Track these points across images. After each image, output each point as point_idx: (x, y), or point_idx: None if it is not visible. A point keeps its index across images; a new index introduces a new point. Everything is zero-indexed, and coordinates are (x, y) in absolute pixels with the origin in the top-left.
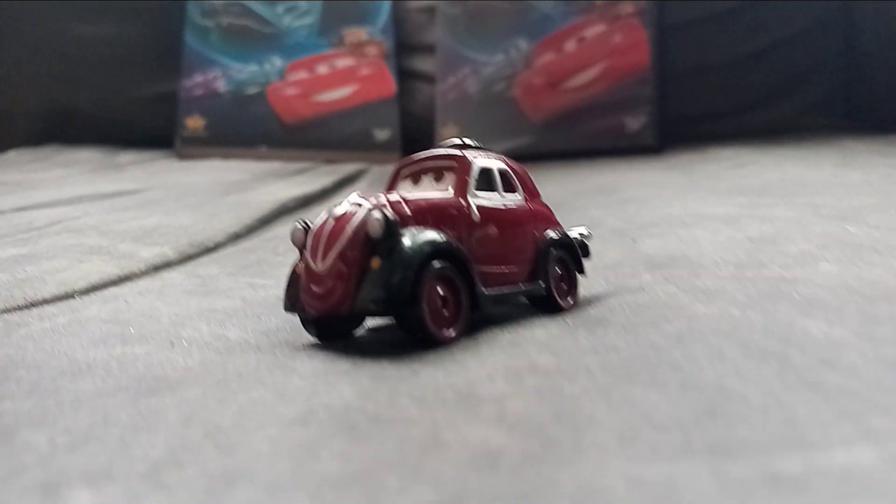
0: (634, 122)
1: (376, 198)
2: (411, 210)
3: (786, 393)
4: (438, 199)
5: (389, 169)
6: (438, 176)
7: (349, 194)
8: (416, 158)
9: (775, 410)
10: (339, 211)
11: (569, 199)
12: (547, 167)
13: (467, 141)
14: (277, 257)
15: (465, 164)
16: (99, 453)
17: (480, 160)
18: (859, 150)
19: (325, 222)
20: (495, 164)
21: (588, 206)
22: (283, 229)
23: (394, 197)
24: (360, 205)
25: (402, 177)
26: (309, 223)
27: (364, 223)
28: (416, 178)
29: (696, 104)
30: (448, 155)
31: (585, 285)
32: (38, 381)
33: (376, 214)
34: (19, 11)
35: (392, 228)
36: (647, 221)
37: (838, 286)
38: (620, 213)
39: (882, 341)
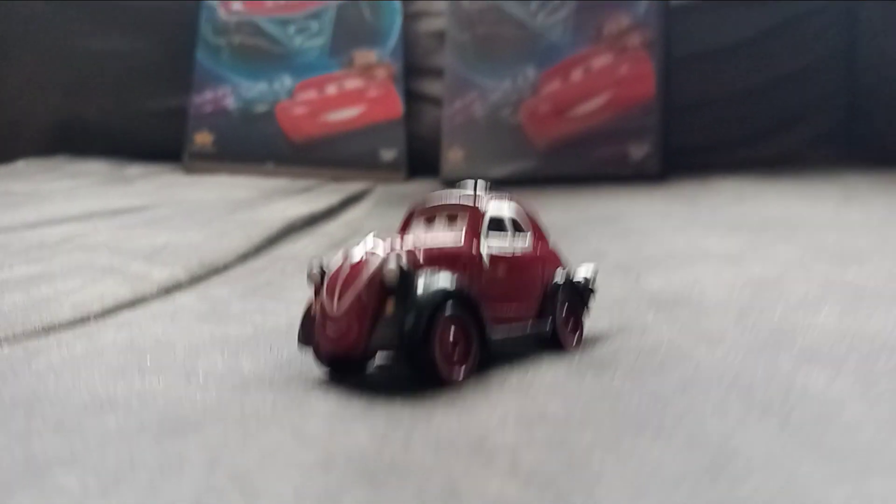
0: (638, 151)
1: (391, 245)
2: (424, 259)
3: (786, 451)
4: (451, 248)
5: (394, 188)
6: (452, 218)
7: (366, 236)
8: (430, 204)
9: (777, 469)
10: (355, 257)
11: (573, 227)
12: (550, 193)
13: (481, 182)
14: (285, 279)
15: (477, 214)
16: (129, 498)
17: (492, 209)
18: (860, 185)
19: (341, 267)
20: (506, 210)
21: (591, 236)
22: (291, 248)
23: (408, 245)
24: (375, 252)
25: (416, 217)
26: (324, 266)
27: (379, 271)
28: (429, 219)
29: (699, 135)
30: (461, 206)
31: (591, 322)
32: (63, 419)
33: (392, 266)
34: (32, 24)
35: (406, 279)
36: (650, 256)
37: (838, 336)
38: (624, 245)
39: (879, 398)
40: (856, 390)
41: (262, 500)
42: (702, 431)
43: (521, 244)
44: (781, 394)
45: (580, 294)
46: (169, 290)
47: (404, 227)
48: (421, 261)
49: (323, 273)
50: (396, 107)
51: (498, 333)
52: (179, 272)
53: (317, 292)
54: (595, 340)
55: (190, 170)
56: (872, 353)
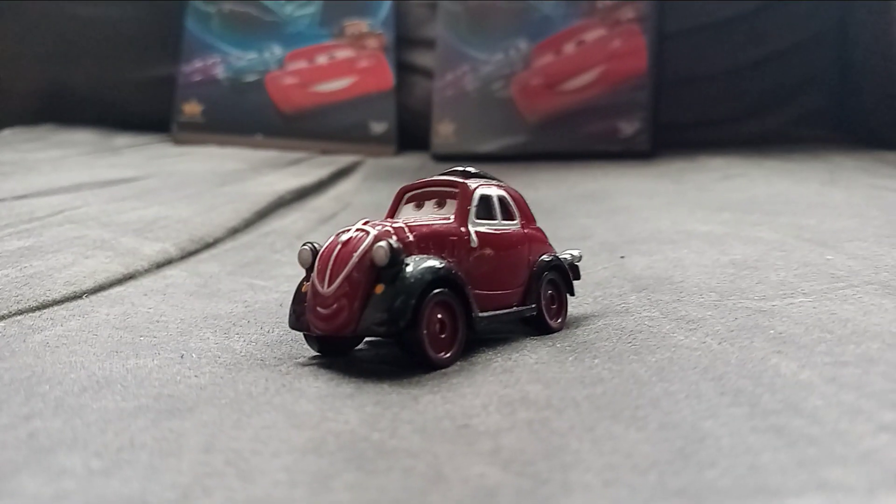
0: (629, 127)
1: (382, 225)
2: (414, 237)
3: (753, 437)
4: (440, 226)
5: (384, 162)
6: (441, 202)
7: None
8: (419, 184)
9: (742, 455)
10: (345, 237)
11: (561, 204)
12: (540, 167)
13: (470, 169)
14: (275, 255)
15: (466, 192)
16: (132, 479)
17: (481, 188)
18: (846, 165)
19: (332, 247)
20: (495, 191)
21: (579, 214)
22: (280, 223)
23: (398, 224)
24: (366, 231)
25: (405, 201)
26: (316, 245)
27: (369, 250)
28: (419, 203)
29: (689, 112)
30: (451, 182)
31: (574, 303)
32: (63, 398)
33: (382, 243)
34: None
35: (396, 257)
36: (635, 235)
37: (812, 322)
38: (610, 224)
39: (844, 385)
40: (823, 377)
41: (258, 482)
42: (674, 417)
43: (508, 224)
44: (753, 380)
45: (565, 275)
46: (160, 265)
47: (393, 211)
48: (411, 238)
49: (314, 253)
50: (387, 78)
51: (484, 315)
52: (170, 247)
53: (308, 272)
54: (578, 322)
55: (179, 140)
56: (843, 340)
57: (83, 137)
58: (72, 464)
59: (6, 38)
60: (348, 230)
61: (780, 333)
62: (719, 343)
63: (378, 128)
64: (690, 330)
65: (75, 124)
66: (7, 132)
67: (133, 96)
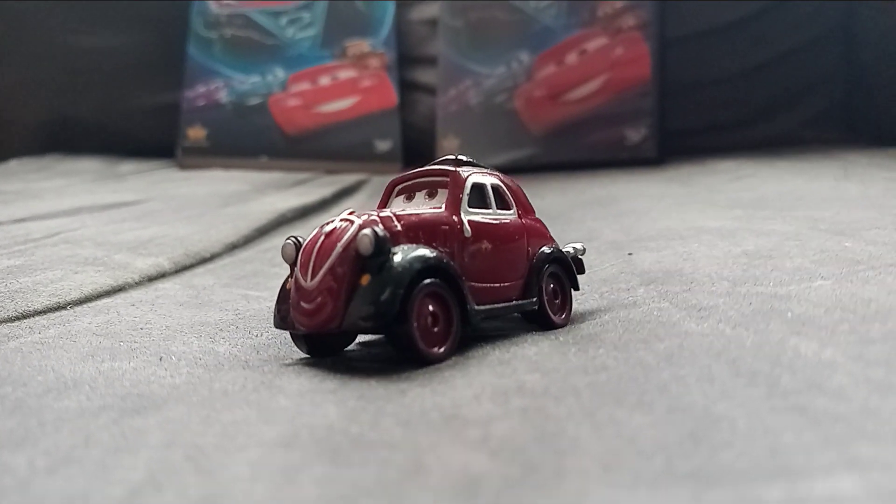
0: (635, 135)
1: (367, 214)
2: (402, 226)
3: (772, 417)
4: (430, 215)
5: (388, 180)
6: (432, 193)
7: (344, 209)
8: (409, 175)
9: (760, 436)
10: (329, 227)
11: (567, 210)
12: (547, 178)
13: (461, 157)
14: (273, 268)
15: (457, 180)
16: (77, 476)
17: (474, 176)
18: (859, 162)
19: (315, 238)
20: (489, 179)
21: (586, 218)
22: (280, 240)
23: (385, 213)
24: (350, 221)
25: (395, 193)
26: (300, 239)
27: (354, 239)
28: (409, 195)
29: (696, 117)
30: (441, 170)
31: (580, 299)
32: (23, 399)
33: (366, 231)
34: (23, 21)
35: (382, 246)
36: (644, 234)
37: (832, 304)
38: (618, 225)
39: (872, 362)
40: (848, 355)
41: (217, 477)
42: (685, 400)
43: (504, 214)
44: (770, 361)
45: (568, 269)
46: (152, 278)
47: (383, 204)
48: (398, 227)
49: (298, 246)
50: (390, 96)
51: (480, 308)
52: (164, 262)
53: (292, 268)
54: (583, 316)
55: (184, 165)
56: (867, 319)
57: (88, 165)
58: (15, 462)
59: (12, 71)
60: (332, 221)
61: (799, 315)
62: (733, 328)
63: (383, 146)
64: (702, 317)
65: (81, 153)
66: (14, 162)
67: (138, 123)
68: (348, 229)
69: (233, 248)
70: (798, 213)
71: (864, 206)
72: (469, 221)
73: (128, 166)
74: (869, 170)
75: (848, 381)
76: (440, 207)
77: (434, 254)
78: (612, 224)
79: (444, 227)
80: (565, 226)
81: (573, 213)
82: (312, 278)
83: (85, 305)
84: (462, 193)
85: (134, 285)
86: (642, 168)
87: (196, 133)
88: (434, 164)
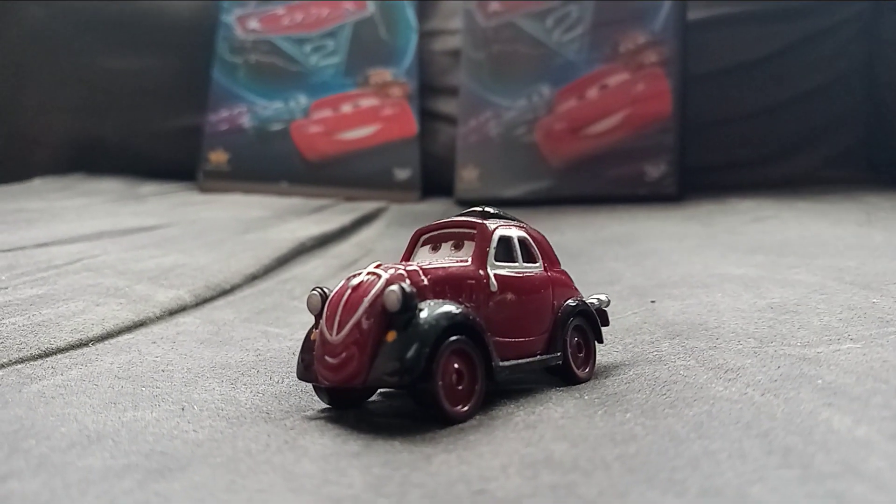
0: (655, 171)
1: (394, 268)
2: (429, 280)
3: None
4: (456, 269)
5: (407, 208)
6: (458, 244)
7: (368, 264)
8: (435, 225)
9: None
10: (356, 281)
11: (587, 248)
12: (566, 212)
13: (488, 209)
14: (293, 301)
15: (485, 233)
16: None
17: (501, 229)
18: (882, 206)
19: (341, 291)
20: (515, 232)
21: (606, 258)
22: (300, 269)
23: (411, 267)
24: (377, 275)
25: (420, 243)
26: (326, 290)
27: (381, 295)
28: (435, 246)
29: (716, 154)
30: (468, 222)
31: (603, 351)
32: (47, 455)
33: (394, 287)
34: (51, 43)
35: (409, 302)
36: (666, 280)
37: (863, 371)
38: (639, 267)
39: None
40: (883, 433)
41: None
42: (717, 480)
43: (530, 267)
44: (803, 437)
45: (593, 322)
46: (173, 312)
47: (409, 254)
48: (425, 282)
49: (324, 298)
50: (411, 125)
51: (505, 364)
52: (185, 294)
53: (317, 319)
54: (607, 371)
55: (204, 189)
56: None
57: (110, 186)
58: None
59: (38, 91)
60: (359, 274)
61: (830, 383)
62: (762, 394)
63: (402, 174)
64: (729, 380)
65: (104, 173)
66: (37, 181)
67: (161, 146)
68: (375, 283)
69: (253, 278)
70: (822, 262)
71: (889, 255)
72: (495, 275)
73: (148, 188)
74: (893, 213)
75: (885, 465)
76: (466, 260)
77: (460, 310)
78: (632, 266)
79: (470, 281)
80: (586, 266)
81: (593, 251)
82: (338, 332)
83: (107, 342)
84: (489, 247)
85: (155, 320)
86: (661, 204)
87: (218, 157)
88: (461, 216)
